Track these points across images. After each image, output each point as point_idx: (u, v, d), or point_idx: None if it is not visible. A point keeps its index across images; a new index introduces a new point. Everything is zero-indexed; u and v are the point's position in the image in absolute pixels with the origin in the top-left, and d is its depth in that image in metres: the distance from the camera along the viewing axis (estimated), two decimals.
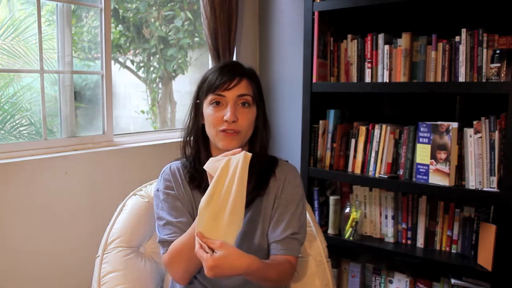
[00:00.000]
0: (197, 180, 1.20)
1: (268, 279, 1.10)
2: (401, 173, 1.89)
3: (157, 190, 1.23)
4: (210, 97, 1.15)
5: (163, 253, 1.17)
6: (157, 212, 1.21)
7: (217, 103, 1.14)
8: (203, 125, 1.20)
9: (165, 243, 1.16)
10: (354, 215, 1.99)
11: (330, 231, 2.08)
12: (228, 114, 1.11)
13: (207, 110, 1.16)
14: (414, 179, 1.84)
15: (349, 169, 2.01)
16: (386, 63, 1.89)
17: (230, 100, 1.13)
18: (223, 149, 1.14)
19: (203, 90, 1.18)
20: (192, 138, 1.23)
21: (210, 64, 2.56)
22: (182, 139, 1.25)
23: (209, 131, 1.17)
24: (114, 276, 1.25)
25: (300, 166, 2.08)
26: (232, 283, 1.17)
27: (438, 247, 1.87)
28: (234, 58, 2.54)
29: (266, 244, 1.20)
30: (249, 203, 1.17)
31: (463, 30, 1.71)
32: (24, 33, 1.89)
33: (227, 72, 1.14)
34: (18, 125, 1.97)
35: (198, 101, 1.20)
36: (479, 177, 1.68)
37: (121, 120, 2.60)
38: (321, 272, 1.36)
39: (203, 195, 1.01)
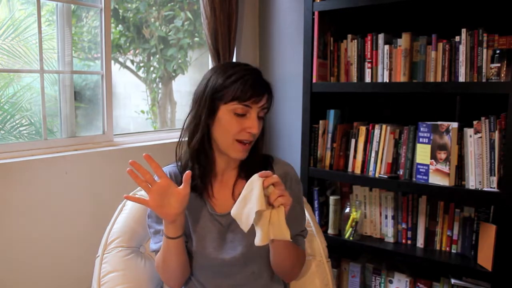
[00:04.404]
0: (194, 181, 1.14)
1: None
2: (401, 173, 1.89)
3: None
4: (234, 106, 1.09)
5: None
6: (147, 218, 1.22)
7: (242, 113, 1.10)
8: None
9: (156, 252, 1.18)
10: (354, 215, 1.99)
11: (330, 231, 2.08)
12: (254, 127, 1.10)
13: (226, 116, 1.10)
14: (414, 179, 1.84)
15: (349, 169, 2.01)
16: (386, 63, 1.89)
17: (254, 112, 1.10)
18: (234, 158, 1.14)
19: (223, 94, 1.09)
20: (198, 140, 1.14)
21: (210, 64, 2.56)
22: (186, 139, 1.17)
23: (223, 138, 1.12)
24: (114, 276, 1.25)
25: (300, 166, 2.08)
26: (232, 285, 1.16)
27: (438, 247, 1.87)
28: (234, 58, 2.54)
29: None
30: None
31: (463, 30, 1.71)
32: (24, 33, 1.89)
33: (259, 87, 1.11)
34: (18, 125, 1.97)
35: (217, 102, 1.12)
36: (479, 177, 1.68)
37: (121, 120, 2.59)
38: (321, 272, 1.36)
39: (203, 200, 1.06)
